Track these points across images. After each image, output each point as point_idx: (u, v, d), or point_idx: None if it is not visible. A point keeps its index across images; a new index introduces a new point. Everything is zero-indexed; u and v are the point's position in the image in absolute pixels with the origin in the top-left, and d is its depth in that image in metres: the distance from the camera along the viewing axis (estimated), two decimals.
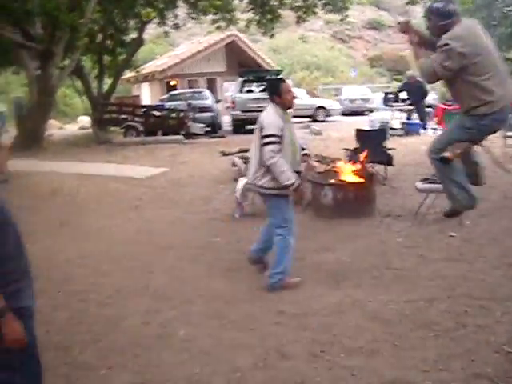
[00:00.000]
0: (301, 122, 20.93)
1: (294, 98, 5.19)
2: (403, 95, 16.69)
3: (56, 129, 26.23)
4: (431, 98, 24.85)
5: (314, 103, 25.66)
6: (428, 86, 16.70)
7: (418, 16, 45.26)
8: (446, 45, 4.22)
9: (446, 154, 4.50)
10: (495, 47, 4.43)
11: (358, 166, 7.75)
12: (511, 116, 5.30)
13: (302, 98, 25.28)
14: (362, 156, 8.01)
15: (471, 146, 4.70)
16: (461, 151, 4.50)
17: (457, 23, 4.30)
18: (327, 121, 24.07)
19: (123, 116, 19.75)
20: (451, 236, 6.34)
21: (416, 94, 16.34)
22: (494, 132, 4.60)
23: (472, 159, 4.79)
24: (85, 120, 27.70)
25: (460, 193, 4.64)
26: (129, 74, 29.67)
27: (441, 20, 4.33)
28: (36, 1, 14.14)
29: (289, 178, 4.79)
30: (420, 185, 7.23)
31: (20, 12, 14.28)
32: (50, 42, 15.57)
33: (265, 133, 4.82)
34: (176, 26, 22.49)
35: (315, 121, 23.64)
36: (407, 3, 18.13)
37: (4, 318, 2.46)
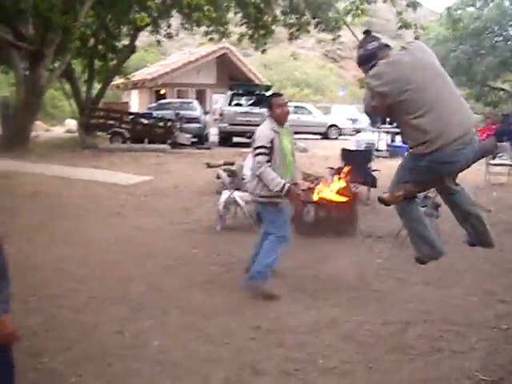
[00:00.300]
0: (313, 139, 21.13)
1: (287, 113, 5.29)
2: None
3: (42, 130, 26.07)
4: None
5: (327, 121, 26.12)
6: None
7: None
8: (367, 83, 3.82)
9: (383, 196, 4.01)
10: (440, 74, 3.74)
11: (341, 182, 7.76)
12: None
13: (316, 116, 25.71)
14: (345, 171, 8.02)
15: (416, 190, 4.02)
16: (401, 194, 3.89)
17: (383, 58, 3.76)
18: (339, 139, 24.44)
19: (110, 122, 19.73)
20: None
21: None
22: (442, 175, 3.82)
23: (465, 211, 3.93)
24: (72, 123, 27.57)
25: (421, 244, 4.04)
26: (119, 81, 29.59)
27: (367, 65, 3.84)
28: (29, 1, 14.10)
29: (277, 184, 4.99)
30: None
31: (12, 11, 14.21)
32: (42, 43, 15.51)
33: (255, 145, 5.10)
34: (169, 36, 22.53)
35: (327, 138, 24.10)
36: (399, 28, 18.28)
37: None
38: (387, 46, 3.82)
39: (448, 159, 3.64)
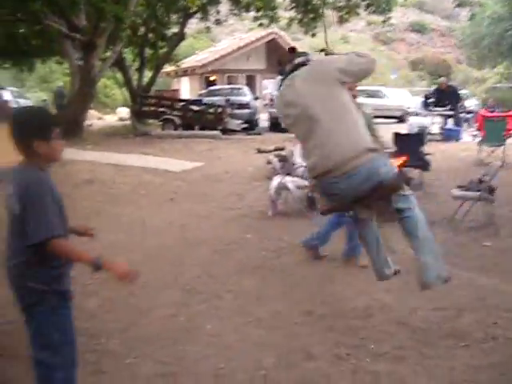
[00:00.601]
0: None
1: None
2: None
3: (95, 119, 26.65)
4: (472, 103, 24.47)
5: (403, 104, 25.12)
6: (467, 92, 16.45)
7: (462, 20, 44.65)
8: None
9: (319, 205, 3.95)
10: (327, 98, 3.47)
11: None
12: None
13: (391, 99, 24.94)
14: (401, 160, 7.91)
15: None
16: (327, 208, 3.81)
17: None
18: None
19: (162, 109, 19.94)
20: (486, 245, 6.23)
21: (450, 99, 16.13)
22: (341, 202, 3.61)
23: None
24: (124, 111, 28.06)
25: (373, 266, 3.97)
26: (169, 68, 29.92)
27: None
28: None
29: None
30: (456, 192, 7.12)
31: (66, 2, 14.51)
32: (94, 34, 15.80)
33: None
34: (218, 22, 22.62)
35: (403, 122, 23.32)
36: (457, 5, 17.84)
37: (103, 265, 2.70)
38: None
39: (326, 190, 3.52)
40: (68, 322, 2.84)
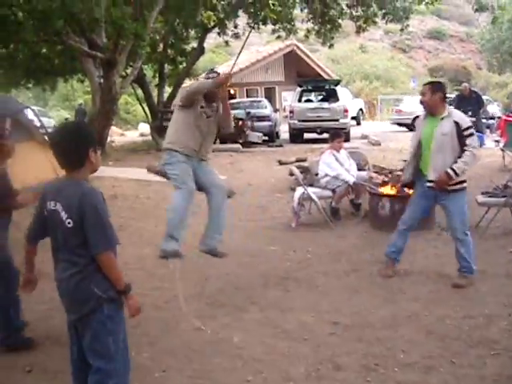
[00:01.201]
0: None
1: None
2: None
3: (117, 135, 26.91)
4: (494, 109, 24.25)
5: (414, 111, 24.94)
6: (488, 97, 16.30)
7: (481, 25, 44.38)
8: None
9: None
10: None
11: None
12: None
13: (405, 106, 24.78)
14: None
15: None
16: None
17: None
18: None
19: None
20: None
21: (472, 105, 15.99)
22: None
23: None
24: (145, 127, 28.31)
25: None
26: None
27: None
28: (102, 10, 14.58)
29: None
30: (481, 198, 7.06)
31: (87, 22, 14.74)
32: (114, 51, 16.00)
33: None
34: (236, 36, 22.75)
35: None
36: (476, 10, 17.73)
37: (129, 293, 2.91)
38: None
39: None
40: (122, 330, 2.99)
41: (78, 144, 2.78)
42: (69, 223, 2.73)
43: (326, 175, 8.04)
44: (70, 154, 2.78)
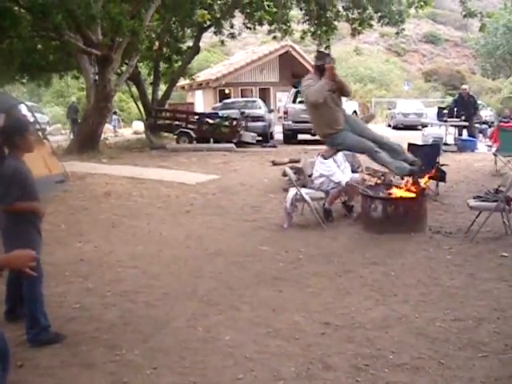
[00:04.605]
0: None
1: None
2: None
3: (111, 133, 26.86)
4: (487, 113, 24.36)
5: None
6: (481, 102, 16.43)
7: (475, 30, 44.57)
8: None
9: None
10: None
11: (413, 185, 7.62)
12: None
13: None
14: (425, 178, 7.93)
15: None
16: None
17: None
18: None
19: (177, 122, 20.08)
20: (503, 256, 6.21)
21: (468, 108, 16.10)
22: None
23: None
24: (139, 125, 28.29)
25: None
26: (184, 82, 30.14)
27: None
28: (99, 6, 14.57)
29: None
30: (472, 202, 7.12)
31: (84, 18, 14.72)
32: (110, 48, 16.00)
33: None
34: (232, 35, 22.78)
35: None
36: (464, 16, 17.86)
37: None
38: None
39: None
40: None
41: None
42: None
43: (321, 175, 8.08)
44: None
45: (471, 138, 16.35)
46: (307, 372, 3.76)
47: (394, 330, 4.40)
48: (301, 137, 20.43)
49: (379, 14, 20.89)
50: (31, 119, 10.84)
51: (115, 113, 30.02)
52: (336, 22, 21.56)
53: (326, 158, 8.03)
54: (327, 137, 6.77)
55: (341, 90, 6.66)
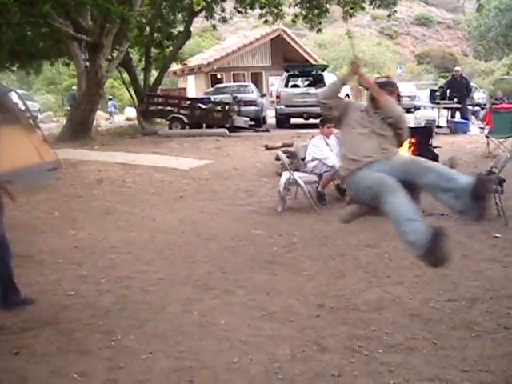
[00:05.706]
0: None
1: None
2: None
3: (103, 119, 26.74)
4: (480, 95, 24.34)
5: None
6: (474, 84, 16.41)
7: (468, 12, 44.46)
8: None
9: None
10: None
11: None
12: None
13: None
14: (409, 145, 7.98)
15: None
16: None
17: None
18: None
19: (169, 108, 19.99)
20: (496, 237, 6.25)
21: (460, 90, 16.09)
22: None
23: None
24: (131, 111, 28.17)
25: None
26: (175, 67, 29.97)
27: None
28: None
29: None
30: None
31: (73, 4, 14.58)
32: (100, 34, 15.86)
33: None
34: (223, 20, 22.61)
35: None
36: None
37: None
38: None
39: None
40: None
41: None
42: None
43: (314, 159, 8.08)
44: None
45: (464, 120, 16.38)
46: (302, 354, 3.78)
47: (387, 311, 4.43)
48: (293, 121, 20.40)
49: None
50: (22, 107, 10.75)
51: (110, 99, 29.93)
52: (328, 5, 21.41)
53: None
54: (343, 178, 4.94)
55: (379, 104, 4.53)
